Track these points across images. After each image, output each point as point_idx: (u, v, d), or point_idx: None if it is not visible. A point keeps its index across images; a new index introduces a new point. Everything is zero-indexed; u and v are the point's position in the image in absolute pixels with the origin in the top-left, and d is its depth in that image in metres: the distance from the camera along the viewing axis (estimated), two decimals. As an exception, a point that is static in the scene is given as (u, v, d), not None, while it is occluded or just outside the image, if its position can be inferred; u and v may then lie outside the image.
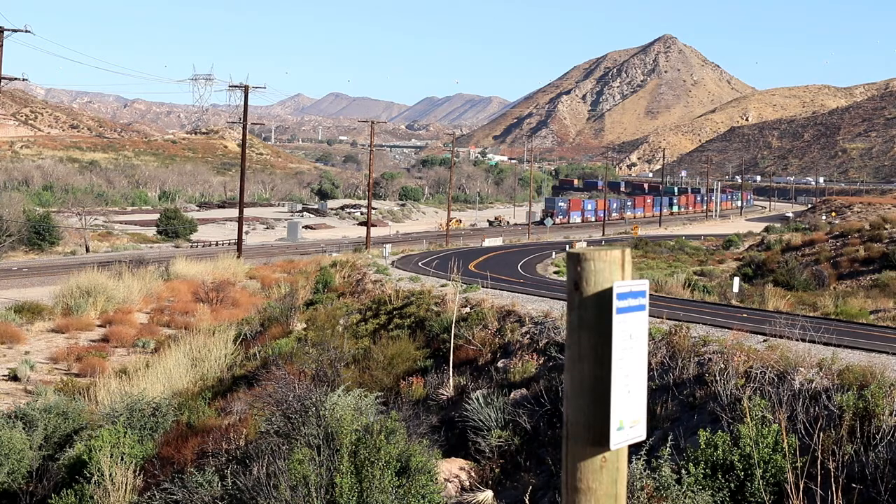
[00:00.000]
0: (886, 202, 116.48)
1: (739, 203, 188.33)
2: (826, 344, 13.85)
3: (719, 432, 9.95)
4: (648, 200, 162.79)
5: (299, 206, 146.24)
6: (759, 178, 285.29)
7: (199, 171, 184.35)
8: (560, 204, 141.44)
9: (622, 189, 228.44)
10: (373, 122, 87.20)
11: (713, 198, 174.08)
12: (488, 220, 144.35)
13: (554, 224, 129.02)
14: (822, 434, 9.37)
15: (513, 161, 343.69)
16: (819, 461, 8.07)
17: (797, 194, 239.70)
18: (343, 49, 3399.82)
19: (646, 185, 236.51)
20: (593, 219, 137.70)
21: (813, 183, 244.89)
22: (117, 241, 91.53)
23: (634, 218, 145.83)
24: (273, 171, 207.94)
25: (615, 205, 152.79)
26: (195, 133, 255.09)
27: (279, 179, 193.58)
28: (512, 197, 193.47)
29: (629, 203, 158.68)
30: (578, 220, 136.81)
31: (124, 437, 16.19)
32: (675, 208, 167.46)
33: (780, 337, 14.16)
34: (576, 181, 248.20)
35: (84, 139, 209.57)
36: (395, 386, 17.96)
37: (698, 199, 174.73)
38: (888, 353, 14.12)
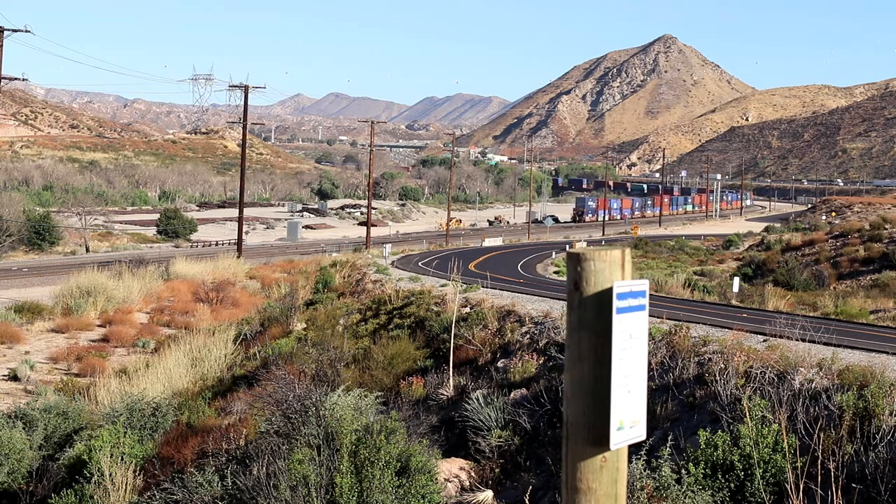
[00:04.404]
0: (886, 202, 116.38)
1: (748, 202, 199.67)
2: (826, 344, 13.85)
3: (719, 432, 9.94)
4: (666, 200, 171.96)
5: (299, 206, 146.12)
6: (842, 183, 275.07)
7: (199, 171, 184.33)
8: (590, 203, 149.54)
9: (585, 187, 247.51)
10: (373, 122, 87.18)
11: (724, 197, 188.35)
12: (488, 220, 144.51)
13: (583, 222, 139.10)
14: (822, 434, 9.36)
15: (513, 161, 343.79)
16: (819, 461, 8.07)
17: (797, 194, 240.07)
18: (343, 49, 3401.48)
19: (629, 186, 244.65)
20: (619, 217, 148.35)
21: (841, 183, 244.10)
22: (117, 241, 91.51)
23: (652, 216, 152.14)
24: (273, 171, 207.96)
25: (637, 203, 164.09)
26: (195, 133, 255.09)
27: (279, 179, 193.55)
28: (512, 197, 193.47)
29: (649, 202, 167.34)
30: (606, 218, 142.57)
31: (124, 437, 16.19)
32: (690, 207, 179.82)
33: (780, 337, 14.15)
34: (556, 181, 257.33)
35: (84, 139, 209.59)
36: (395, 386, 17.96)
37: (711, 198, 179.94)
38: (888, 353, 14.11)
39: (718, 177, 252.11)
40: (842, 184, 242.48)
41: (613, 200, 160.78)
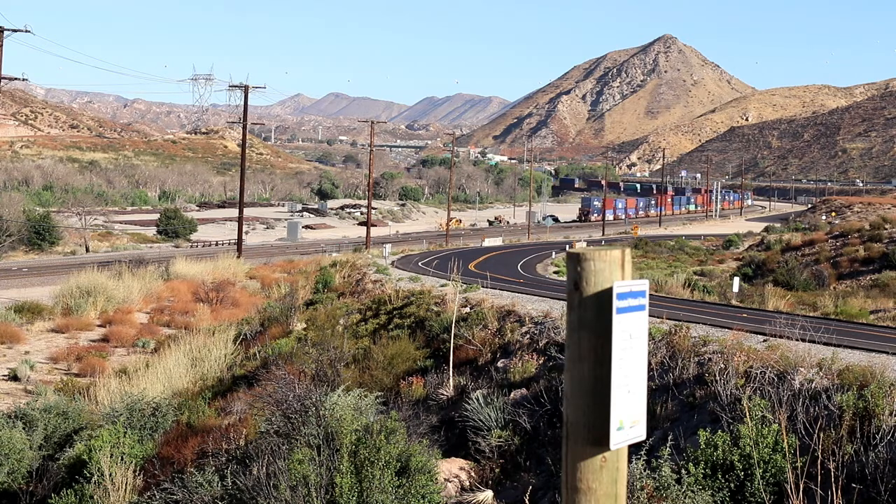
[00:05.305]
0: (886, 202, 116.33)
1: (748, 202, 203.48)
2: (826, 344, 13.85)
3: (719, 432, 9.94)
4: (669, 199, 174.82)
5: (299, 206, 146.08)
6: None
7: (199, 171, 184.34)
8: (595, 203, 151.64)
9: (577, 186, 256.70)
10: (373, 122, 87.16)
11: (726, 197, 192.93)
12: (488, 220, 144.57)
13: (589, 221, 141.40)
14: (822, 434, 9.37)
15: (513, 161, 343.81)
16: (819, 461, 8.07)
17: (797, 194, 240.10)
18: (343, 49, 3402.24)
19: (622, 185, 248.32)
20: (623, 216, 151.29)
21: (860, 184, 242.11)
22: (117, 241, 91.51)
23: (655, 216, 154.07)
24: (273, 171, 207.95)
25: (641, 203, 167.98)
26: (195, 133, 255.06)
27: (279, 179, 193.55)
28: (512, 197, 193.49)
29: (653, 202, 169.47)
30: (610, 217, 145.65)
31: (124, 437, 16.19)
32: (693, 206, 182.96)
33: (780, 337, 14.15)
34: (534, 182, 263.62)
35: (84, 139, 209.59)
36: (395, 386, 17.96)
37: (712, 198, 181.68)
38: (888, 353, 14.11)
39: (698, 176, 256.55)
40: (860, 184, 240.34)
41: (619, 200, 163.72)
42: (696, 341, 14.39)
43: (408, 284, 32.58)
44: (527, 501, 9.70)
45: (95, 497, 14.41)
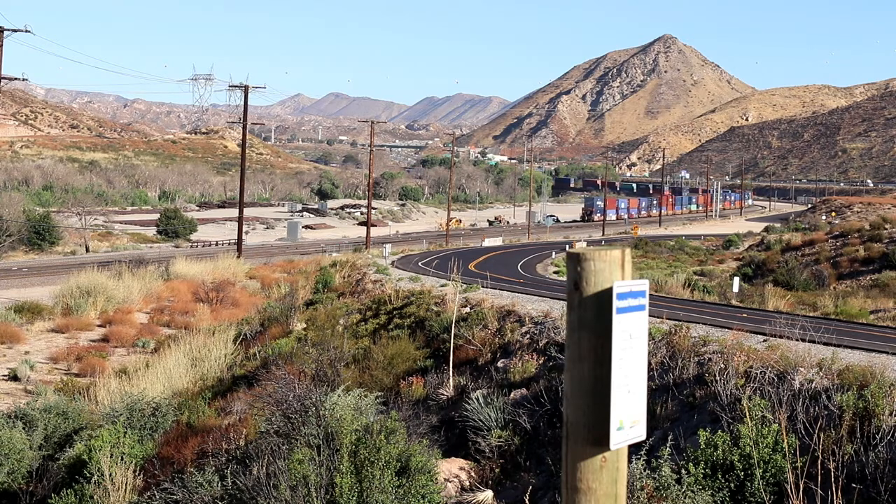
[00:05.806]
0: (886, 202, 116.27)
1: (749, 202, 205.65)
2: (826, 344, 13.84)
3: (719, 432, 9.94)
4: (671, 199, 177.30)
5: (299, 206, 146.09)
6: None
7: (199, 171, 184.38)
8: (598, 203, 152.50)
9: (573, 186, 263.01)
10: (373, 122, 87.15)
11: (727, 197, 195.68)
12: (488, 220, 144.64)
13: (592, 221, 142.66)
14: (822, 434, 9.36)
15: (513, 161, 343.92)
16: (819, 461, 8.07)
17: (797, 194, 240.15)
18: (343, 49, 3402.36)
19: (618, 185, 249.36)
20: (626, 216, 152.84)
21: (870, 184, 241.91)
22: (117, 241, 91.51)
23: (656, 216, 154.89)
24: (273, 171, 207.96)
25: (644, 203, 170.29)
26: (195, 133, 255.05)
27: (279, 179, 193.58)
28: (512, 197, 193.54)
29: (655, 202, 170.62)
30: (613, 217, 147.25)
31: (124, 437, 16.19)
32: (694, 206, 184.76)
33: (780, 337, 14.15)
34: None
35: (84, 139, 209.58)
36: (395, 386, 17.96)
37: (712, 198, 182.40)
38: (888, 353, 14.10)
39: (688, 175, 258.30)
40: (871, 184, 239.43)
41: (621, 200, 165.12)
42: (696, 341, 14.39)
43: (408, 284, 32.58)
44: (527, 501, 9.70)
45: (95, 497, 14.41)
